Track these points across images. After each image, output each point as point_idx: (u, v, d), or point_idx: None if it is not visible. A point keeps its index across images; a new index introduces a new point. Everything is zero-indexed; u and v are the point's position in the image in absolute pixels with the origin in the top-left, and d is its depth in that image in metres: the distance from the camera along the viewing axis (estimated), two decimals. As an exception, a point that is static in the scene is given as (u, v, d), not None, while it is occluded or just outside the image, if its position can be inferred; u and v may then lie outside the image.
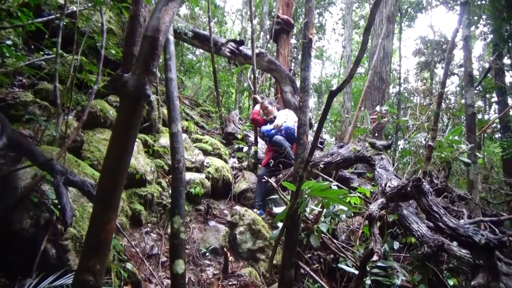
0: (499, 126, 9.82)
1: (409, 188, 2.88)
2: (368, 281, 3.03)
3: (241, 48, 7.50)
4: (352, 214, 4.16)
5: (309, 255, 3.90)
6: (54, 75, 3.37)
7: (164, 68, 3.02)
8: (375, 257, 2.57)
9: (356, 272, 3.02)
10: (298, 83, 7.47)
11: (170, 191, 4.06)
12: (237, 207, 4.40)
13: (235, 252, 4.00)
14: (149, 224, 3.94)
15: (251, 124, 6.39)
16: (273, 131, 4.95)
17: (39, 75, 3.83)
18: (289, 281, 2.75)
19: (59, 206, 2.34)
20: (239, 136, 6.57)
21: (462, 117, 7.63)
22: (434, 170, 4.88)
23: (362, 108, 7.91)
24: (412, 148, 5.82)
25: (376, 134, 7.80)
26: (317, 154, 5.43)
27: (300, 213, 2.74)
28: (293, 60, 13.55)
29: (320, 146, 6.93)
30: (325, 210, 3.25)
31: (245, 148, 6.21)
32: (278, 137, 4.84)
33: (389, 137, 11.60)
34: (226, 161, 5.88)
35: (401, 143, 9.44)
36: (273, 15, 10.71)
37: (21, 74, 3.99)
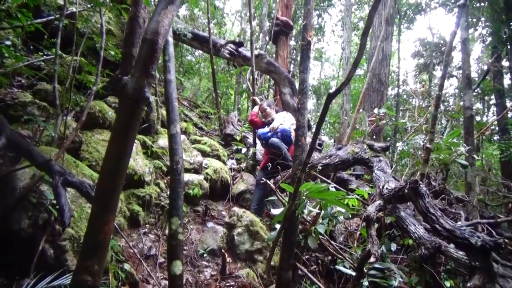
0: (497, 128, 9.84)
1: (406, 190, 2.89)
2: (365, 283, 3.04)
3: (240, 49, 7.53)
4: (350, 216, 4.16)
5: (306, 257, 3.91)
6: (53, 76, 3.38)
7: (163, 70, 3.02)
8: (372, 259, 2.58)
9: (354, 273, 3.02)
10: (297, 85, 7.49)
11: (168, 192, 4.06)
12: (235, 208, 4.41)
13: (233, 253, 4.00)
14: (147, 225, 3.94)
15: (249, 126, 6.40)
16: (269, 134, 4.93)
17: (38, 75, 3.83)
18: (286, 283, 2.76)
19: (57, 207, 2.35)
20: (238, 138, 6.58)
21: (461, 119, 7.65)
22: (432, 172, 4.90)
23: (361, 110, 7.93)
24: (411, 150, 5.84)
25: (374, 136, 7.83)
26: (316, 155, 5.45)
27: (298, 214, 2.75)
28: (292, 62, 13.58)
29: (319, 147, 6.95)
30: (323, 211, 3.25)
31: (244, 150, 6.22)
32: (274, 140, 4.81)
33: (388, 139, 11.63)
34: (224, 163, 5.88)
35: (399, 145, 9.45)
36: (272, 17, 10.75)
37: (20, 74, 3.99)
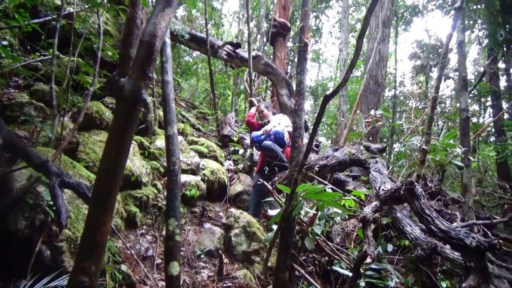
0: (493, 129, 9.91)
1: (402, 191, 2.90)
2: (362, 283, 3.05)
3: (237, 50, 7.53)
4: (347, 217, 4.18)
5: (303, 258, 3.92)
6: (50, 77, 3.37)
7: (161, 71, 3.03)
8: (369, 260, 2.59)
9: (350, 274, 3.04)
10: (294, 86, 7.50)
11: (165, 193, 4.05)
12: (232, 210, 4.41)
13: (230, 254, 4.00)
14: (144, 226, 3.94)
15: (247, 127, 6.41)
16: (262, 137, 4.90)
17: (35, 76, 3.83)
18: (283, 283, 2.77)
19: (54, 208, 2.35)
20: (235, 139, 6.58)
21: (457, 120, 7.69)
22: (428, 173, 4.93)
23: (358, 112, 7.95)
24: (407, 151, 5.87)
25: (371, 138, 7.85)
26: (313, 157, 5.46)
27: (295, 215, 2.76)
28: (290, 63, 13.60)
29: (316, 149, 6.96)
30: (319, 212, 3.27)
31: (241, 151, 6.22)
32: (267, 143, 4.78)
33: (384, 140, 11.67)
34: (221, 164, 5.89)
35: (396, 146, 9.49)
36: (270, 18, 10.75)
37: (17, 75, 3.98)
